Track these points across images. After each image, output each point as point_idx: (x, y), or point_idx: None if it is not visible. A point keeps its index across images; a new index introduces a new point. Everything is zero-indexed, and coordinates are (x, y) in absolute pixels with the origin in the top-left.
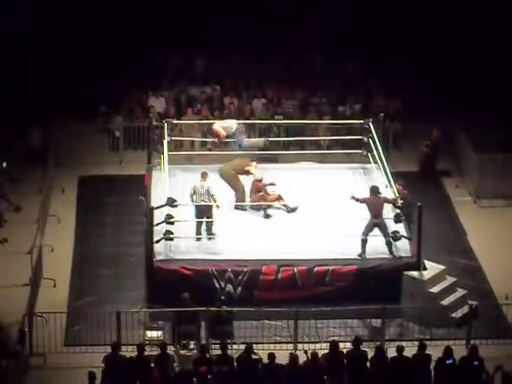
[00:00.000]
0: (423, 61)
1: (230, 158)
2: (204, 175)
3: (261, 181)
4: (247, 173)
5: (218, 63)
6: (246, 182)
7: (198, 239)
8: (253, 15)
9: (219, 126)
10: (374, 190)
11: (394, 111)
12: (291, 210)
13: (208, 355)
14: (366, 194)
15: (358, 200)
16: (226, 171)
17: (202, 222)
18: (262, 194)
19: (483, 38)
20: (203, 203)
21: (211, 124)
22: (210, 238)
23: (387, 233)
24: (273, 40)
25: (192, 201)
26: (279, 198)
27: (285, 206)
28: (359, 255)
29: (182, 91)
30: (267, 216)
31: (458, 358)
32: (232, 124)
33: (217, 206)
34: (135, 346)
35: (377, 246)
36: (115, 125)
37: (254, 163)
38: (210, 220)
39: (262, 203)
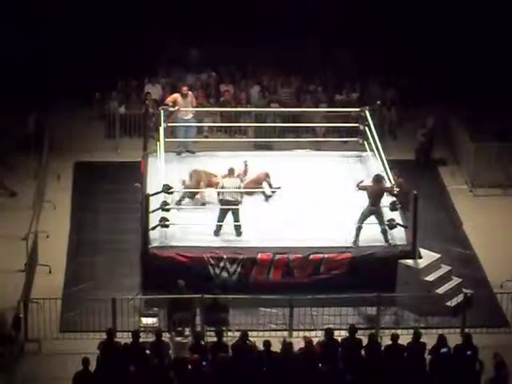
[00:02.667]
0: (420, 49)
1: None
2: (231, 172)
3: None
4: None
5: (213, 50)
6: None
7: (217, 232)
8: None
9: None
10: (379, 180)
11: (391, 99)
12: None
13: (203, 342)
14: (366, 182)
15: (360, 188)
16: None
17: (225, 215)
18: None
19: (482, 27)
20: (231, 198)
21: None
22: (237, 232)
23: (383, 221)
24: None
25: (219, 198)
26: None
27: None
28: (354, 243)
29: (179, 78)
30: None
31: (452, 347)
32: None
33: (240, 202)
34: (130, 333)
35: (372, 233)
36: (115, 110)
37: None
38: (236, 213)
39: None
